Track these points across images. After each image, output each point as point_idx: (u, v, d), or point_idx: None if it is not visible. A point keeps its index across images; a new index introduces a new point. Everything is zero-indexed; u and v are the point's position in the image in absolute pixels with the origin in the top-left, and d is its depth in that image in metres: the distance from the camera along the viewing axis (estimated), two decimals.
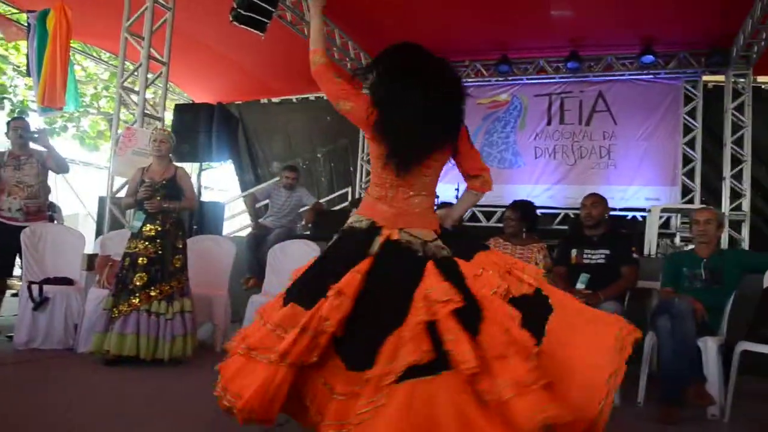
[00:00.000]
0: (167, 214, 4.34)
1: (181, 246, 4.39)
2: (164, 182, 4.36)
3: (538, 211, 4.75)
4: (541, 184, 8.95)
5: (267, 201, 6.98)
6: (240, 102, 10.89)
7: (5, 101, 11.62)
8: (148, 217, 4.30)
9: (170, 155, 4.55)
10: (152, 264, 4.20)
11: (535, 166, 9.06)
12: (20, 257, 5.10)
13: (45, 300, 4.59)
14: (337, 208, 10.14)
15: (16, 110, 11.62)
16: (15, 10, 8.49)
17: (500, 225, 8.56)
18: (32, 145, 5.22)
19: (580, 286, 3.99)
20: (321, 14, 2.55)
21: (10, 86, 12.07)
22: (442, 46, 8.97)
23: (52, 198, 6.11)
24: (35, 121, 6.16)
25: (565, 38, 8.37)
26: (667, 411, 3.37)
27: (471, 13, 7.60)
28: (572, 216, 8.38)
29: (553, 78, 9.03)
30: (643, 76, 8.62)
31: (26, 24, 6.83)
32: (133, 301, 4.10)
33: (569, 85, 8.98)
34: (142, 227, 4.28)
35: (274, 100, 10.90)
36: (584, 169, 8.77)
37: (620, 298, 4.02)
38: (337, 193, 10.44)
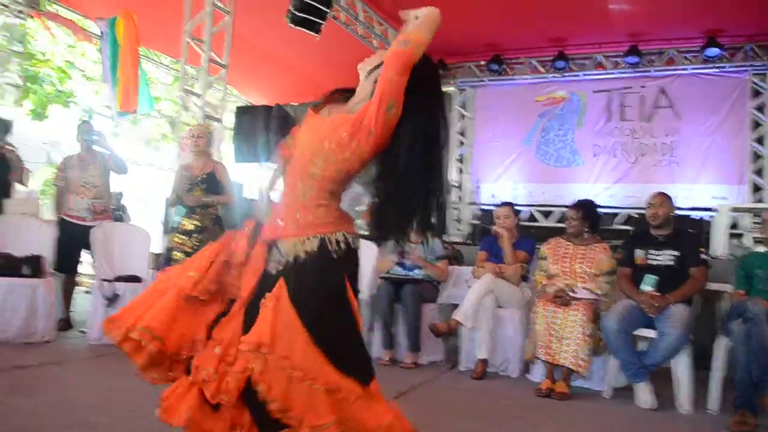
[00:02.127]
0: (206, 209, 4.39)
1: None
2: (203, 177, 4.42)
3: (598, 211, 4.64)
4: (600, 183, 8.74)
5: None
6: (296, 103, 11.03)
7: (73, 105, 12.09)
8: (187, 211, 4.37)
9: (209, 150, 4.61)
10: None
11: (594, 164, 8.86)
12: (88, 254, 5.31)
13: (116, 297, 4.76)
14: None
15: (84, 114, 12.07)
16: (82, 17, 8.84)
17: (558, 225, 8.49)
18: (96, 147, 5.43)
19: (646, 288, 3.88)
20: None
21: (78, 91, 12.55)
22: (497, 45, 8.89)
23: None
24: (100, 125, 6.38)
25: (624, 32, 8.15)
26: (741, 418, 3.25)
27: (526, 10, 7.49)
28: (634, 215, 8.16)
29: (612, 73, 8.80)
30: (708, 70, 8.29)
31: (99, 32, 7.10)
32: None
33: (629, 81, 8.73)
34: (180, 222, 4.36)
35: None
36: (646, 167, 8.52)
37: (689, 301, 3.89)
38: None
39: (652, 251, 4.00)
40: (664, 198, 4.05)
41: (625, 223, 8.38)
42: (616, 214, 8.54)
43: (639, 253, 4.03)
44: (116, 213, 6.47)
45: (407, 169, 1.77)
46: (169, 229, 4.48)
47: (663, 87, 8.52)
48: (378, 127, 1.70)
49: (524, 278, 4.74)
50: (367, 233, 1.95)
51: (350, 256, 1.85)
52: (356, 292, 1.82)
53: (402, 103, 1.72)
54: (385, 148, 1.77)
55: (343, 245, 1.83)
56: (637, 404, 3.70)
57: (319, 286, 1.76)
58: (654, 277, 3.88)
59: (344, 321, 1.77)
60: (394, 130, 1.74)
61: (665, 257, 3.96)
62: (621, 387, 3.95)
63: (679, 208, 7.30)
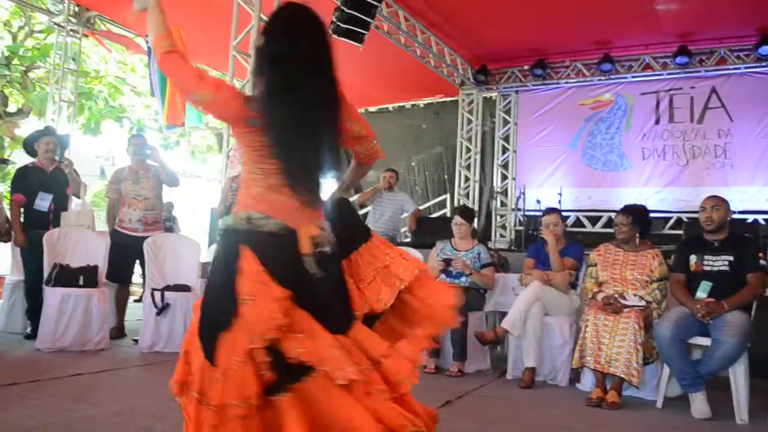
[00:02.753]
0: None
1: None
2: None
3: (650, 216, 4.52)
4: (650, 187, 8.54)
5: (368, 209, 7.09)
6: None
7: (124, 120, 12.49)
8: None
9: None
10: None
11: (643, 168, 8.66)
12: (140, 265, 5.46)
13: (166, 306, 4.88)
14: (434, 215, 10.14)
15: (134, 128, 12.45)
16: (132, 35, 9.14)
17: (605, 230, 8.33)
18: (148, 161, 5.58)
19: (701, 294, 3.76)
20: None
21: (129, 106, 12.96)
22: (540, 49, 8.81)
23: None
24: (151, 138, 6.57)
25: (673, 32, 7.97)
26: None
27: (570, 12, 7.40)
28: (685, 220, 7.94)
29: (661, 74, 8.60)
30: (761, 69, 8.03)
31: (146, 48, 7.33)
32: None
33: (678, 82, 8.52)
34: None
35: (371, 109, 11.07)
36: (698, 170, 8.28)
37: (746, 309, 3.75)
38: (433, 201, 10.43)
39: (708, 257, 3.87)
40: (719, 201, 3.92)
41: (675, 228, 8.16)
42: (667, 219, 8.32)
43: (693, 259, 3.90)
44: (167, 224, 6.62)
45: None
46: (217, 240, 4.56)
47: (714, 87, 8.29)
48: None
49: (573, 285, 4.66)
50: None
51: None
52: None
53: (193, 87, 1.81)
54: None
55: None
56: (692, 414, 3.59)
57: None
58: (710, 283, 3.75)
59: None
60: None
61: (721, 263, 3.83)
62: (674, 396, 3.84)
63: (733, 212, 7.09)
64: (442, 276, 4.87)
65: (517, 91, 9.77)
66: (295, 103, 1.83)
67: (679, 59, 8.15)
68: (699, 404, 3.58)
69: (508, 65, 9.51)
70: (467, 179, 10.07)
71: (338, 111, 1.91)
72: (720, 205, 3.89)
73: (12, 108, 11.87)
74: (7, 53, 11.28)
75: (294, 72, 1.85)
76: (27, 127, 11.56)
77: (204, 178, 14.39)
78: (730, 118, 8.16)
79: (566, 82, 9.25)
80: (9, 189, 5.44)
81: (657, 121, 8.65)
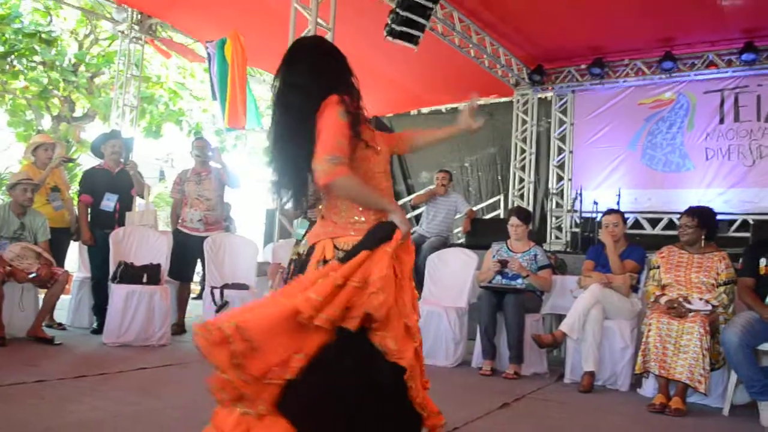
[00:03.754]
0: None
1: None
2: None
3: (716, 219, 4.36)
4: (714, 188, 8.23)
5: (421, 209, 7.09)
6: (391, 114, 11.17)
7: (183, 123, 12.84)
8: (311, 224, 4.49)
9: None
10: None
11: (706, 168, 8.35)
12: (201, 264, 5.60)
13: (225, 304, 4.99)
14: (488, 216, 10.05)
15: (192, 131, 12.79)
16: (192, 41, 9.40)
17: (666, 233, 8.07)
18: (210, 163, 5.73)
19: None
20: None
21: (188, 109, 13.32)
22: (598, 48, 8.62)
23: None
24: (213, 142, 6.74)
25: (738, 28, 7.68)
26: None
27: (630, 10, 7.22)
28: (752, 222, 7.62)
29: (726, 72, 8.28)
30: None
31: (206, 54, 7.54)
32: None
33: (744, 79, 8.19)
34: (304, 234, 4.48)
35: (424, 110, 11.06)
36: (765, 170, 7.93)
37: None
38: (487, 202, 10.34)
39: None
40: None
41: (741, 230, 7.85)
42: (732, 221, 8.01)
43: (764, 262, 3.75)
44: (224, 224, 6.77)
45: None
46: (295, 241, 4.63)
47: None
48: None
49: (634, 289, 4.54)
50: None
51: None
52: None
53: None
54: None
55: None
56: (761, 423, 3.44)
57: None
58: None
59: None
60: None
61: None
62: (742, 404, 3.69)
63: None
64: (498, 277, 4.83)
65: (573, 91, 9.58)
66: None
67: (745, 56, 7.83)
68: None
69: (564, 64, 9.34)
70: (522, 180, 9.94)
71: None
72: None
73: (78, 113, 12.37)
74: (74, 60, 11.76)
75: None
76: (92, 130, 12.05)
77: (260, 179, 14.66)
78: None
79: (625, 81, 9.01)
80: (77, 190, 5.65)
81: (721, 120, 8.33)
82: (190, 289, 5.98)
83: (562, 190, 9.67)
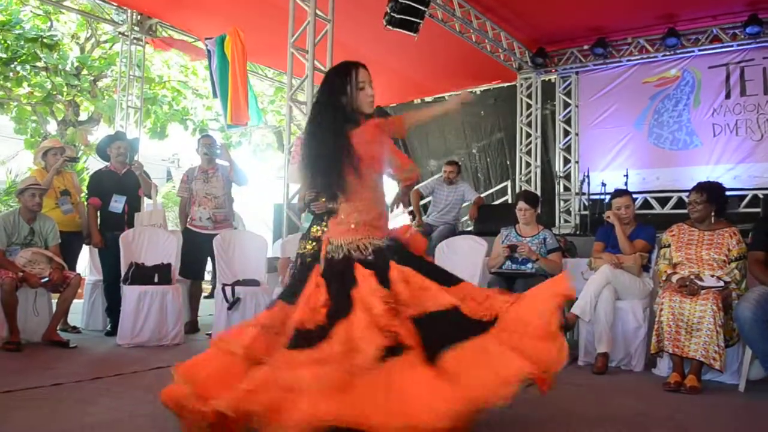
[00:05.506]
0: (332, 216, 4.45)
1: None
2: None
3: (726, 194, 4.32)
4: (722, 164, 8.18)
5: (429, 198, 7.08)
6: (395, 104, 11.15)
7: (188, 122, 12.86)
8: (315, 218, 4.47)
9: None
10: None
11: (714, 144, 8.30)
12: (211, 261, 5.62)
13: (237, 300, 5.01)
14: (497, 202, 10.03)
15: (197, 129, 12.81)
16: (192, 39, 9.40)
17: (676, 211, 8.03)
18: (217, 160, 5.73)
19: None
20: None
21: (191, 108, 13.33)
22: (600, 27, 8.55)
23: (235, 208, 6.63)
24: (218, 139, 6.75)
25: (742, 2, 7.60)
26: None
27: None
28: (761, 197, 7.56)
29: (731, 46, 8.21)
30: None
31: (206, 51, 7.53)
32: None
33: (750, 53, 8.12)
34: (309, 228, 4.47)
35: (427, 98, 11.03)
36: None
37: None
38: (495, 188, 10.32)
39: None
40: None
41: (751, 206, 7.79)
42: (742, 197, 7.96)
43: None
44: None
45: None
46: (301, 236, 4.63)
47: None
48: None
49: (645, 268, 4.51)
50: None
51: None
52: None
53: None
54: None
55: None
56: None
57: None
58: None
59: None
60: None
61: None
62: (758, 380, 3.68)
63: None
64: (508, 263, 4.81)
65: (577, 72, 9.52)
66: None
67: (749, 29, 7.75)
68: None
69: (566, 46, 9.28)
70: (528, 165, 9.91)
71: None
72: None
73: (83, 116, 12.41)
74: (76, 64, 11.78)
75: None
76: (98, 133, 12.08)
77: (265, 175, 14.69)
78: None
79: (629, 60, 8.96)
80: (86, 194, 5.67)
81: (728, 95, 8.27)
82: (201, 287, 6.00)
83: (570, 173, 9.65)
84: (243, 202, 10.71)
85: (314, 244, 4.39)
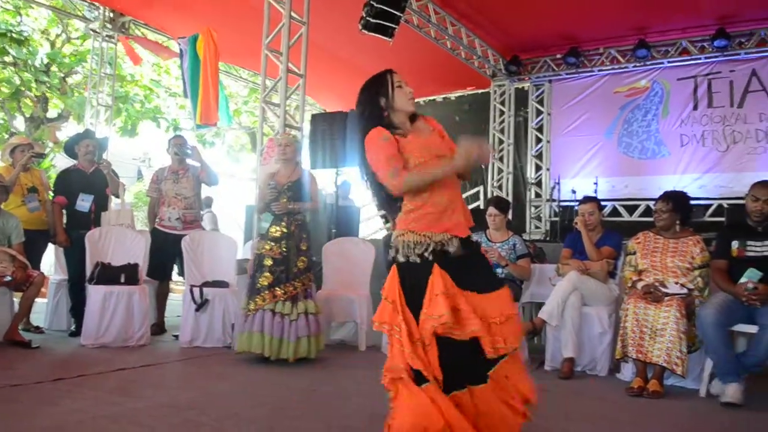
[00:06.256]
0: (292, 216, 4.45)
1: (305, 248, 4.47)
2: (290, 184, 4.48)
3: (690, 203, 4.41)
4: (689, 174, 8.35)
5: None
6: None
7: (161, 120, 12.71)
8: (274, 218, 4.45)
9: (297, 159, 4.68)
10: (277, 265, 4.33)
11: (681, 154, 8.47)
12: (179, 263, 5.55)
13: (205, 302, 4.95)
14: (469, 207, 10.08)
15: (170, 128, 12.66)
16: (166, 38, 9.30)
17: (643, 219, 8.16)
18: (188, 161, 5.67)
19: (747, 281, 3.62)
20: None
21: (164, 107, 13.18)
22: (573, 37, 8.68)
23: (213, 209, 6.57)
24: (190, 139, 6.68)
25: (711, 15, 7.77)
26: None
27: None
28: (726, 206, 7.74)
29: (699, 59, 8.39)
30: None
31: (178, 50, 7.46)
32: (259, 300, 4.28)
33: (717, 65, 8.31)
34: (269, 229, 4.45)
35: None
36: (739, 155, 8.07)
37: None
38: (468, 193, 10.38)
39: (750, 242, 3.76)
40: None
41: (716, 215, 7.96)
42: (707, 206, 8.13)
43: (735, 245, 3.79)
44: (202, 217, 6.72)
45: None
46: (258, 236, 4.60)
47: (755, 69, 8.06)
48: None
49: (611, 275, 4.58)
50: None
51: None
52: None
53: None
54: None
55: None
56: (720, 399, 3.54)
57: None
58: (758, 272, 3.61)
59: None
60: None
61: (765, 248, 3.72)
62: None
63: None
64: None
65: (550, 81, 9.64)
66: None
67: (717, 42, 7.93)
68: (734, 393, 3.49)
69: (540, 54, 9.39)
70: (500, 171, 10.00)
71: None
72: None
73: (52, 113, 12.19)
74: (46, 60, 11.57)
75: None
76: (67, 131, 11.87)
77: (238, 177, 14.58)
78: None
79: (600, 70, 9.09)
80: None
81: (695, 107, 8.45)
82: (169, 288, 5.93)
83: (541, 180, 9.75)
84: (216, 204, 10.63)
85: (272, 244, 4.38)
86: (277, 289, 4.30)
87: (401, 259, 2.25)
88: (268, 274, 4.33)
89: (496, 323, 2.16)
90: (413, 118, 2.44)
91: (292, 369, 4.14)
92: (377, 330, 2.26)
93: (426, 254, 2.21)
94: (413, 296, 2.18)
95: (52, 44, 12.06)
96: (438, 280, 2.15)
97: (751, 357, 3.53)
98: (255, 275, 4.40)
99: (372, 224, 11.30)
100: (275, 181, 4.50)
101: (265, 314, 4.25)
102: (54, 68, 11.68)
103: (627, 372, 4.10)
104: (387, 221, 6.74)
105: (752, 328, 3.60)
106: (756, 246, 3.74)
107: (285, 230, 4.41)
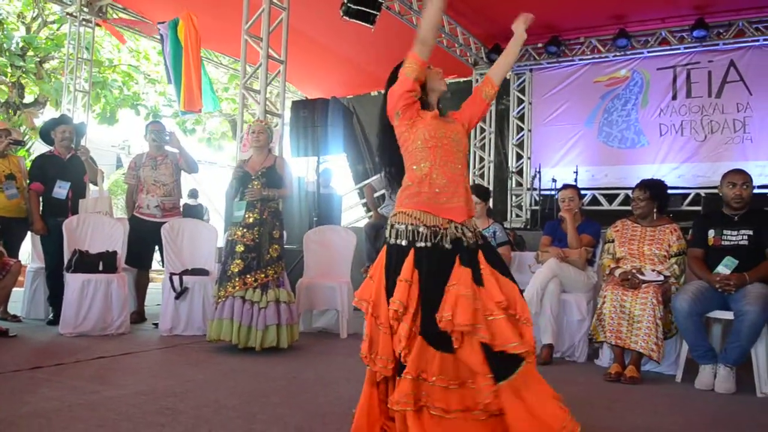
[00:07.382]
0: (266, 203, 4.43)
1: (278, 236, 4.45)
2: (263, 171, 4.46)
3: (667, 191, 4.47)
4: (668, 163, 8.45)
5: (383, 191, 7.08)
6: (352, 96, 11.11)
7: (140, 108, 12.54)
8: (248, 205, 4.42)
9: (270, 145, 4.66)
10: (248, 251, 4.31)
11: (660, 144, 8.56)
12: (159, 251, 5.50)
13: (185, 290, 4.92)
14: None
15: (150, 115, 12.50)
16: (145, 21, 9.15)
17: (623, 208, 8.25)
18: (167, 147, 5.61)
19: (723, 270, 3.70)
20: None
21: (143, 93, 13.01)
22: (554, 26, 8.69)
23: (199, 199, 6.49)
24: (168, 125, 6.61)
25: (690, 5, 7.84)
26: None
27: None
28: (704, 195, 7.84)
29: (678, 49, 8.47)
30: None
31: (159, 35, 7.35)
32: (229, 287, 4.26)
33: (696, 56, 8.39)
34: (244, 215, 4.42)
35: (383, 91, 11.00)
36: (716, 145, 8.18)
37: (766, 282, 3.70)
38: None
39: (726, 231, 3.82)
40: (748, 178, 3.82)
41: (694, 204, 8.07)
42: (685, 195, 8.24)
43: (712, 234, 3.86)
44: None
45: None
46: (230, 223, 4.57)
47: (733, 60, 8.16)
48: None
49: (590, 262, 4.63)
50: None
51: None
52: None
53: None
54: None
55: None
56: (695, 385, 3.62)
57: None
58: (734, 260, 3.68)
59: None
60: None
61: (740, 237, 3.78)
62: (695, 371, 3.82)
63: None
64: None
65: (531, 70, 9.67)
66: None
67: (696, 33, 8.01)
68: (704, 377, 3.60)
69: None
70: (482, 159, 10.03)
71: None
72: (749, 182, 3.81)
73: (28, 99, 11.98)
74: (21, 44, 11.35)
75: None
76: (44, 117, 11.67)
77: (219, 164, 14.45)
78: (750, 91, 8.04)
79: (581, 59, 9.14)
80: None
81: (674, 97, 8.53)
82: (148, 276, 5.88)
83: (522, 169, 9.79)
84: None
85: (244, 230, 4.36)
86: (247, 276, 4.28)
87: (391, 240, 2.26)
88: (239, 260, 4.30)
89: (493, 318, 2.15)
90: (442, 112, 2.46)
91: (273, 357, 4.14)
92: (355, 305, 2.28)
93: (415, 239, 2.20)
94: (393, 279, 2.18)
95: (28, 28, 11.84)
96: (408, 266, 2.15)
97: (735, 348, 3.55)
98: (227, 262, 4.37)
99: (354, 213, 11.30)
100: (249, 168, 4.49)
101: (235, 301, 4.23)
102: (30, 53, 11.47)
103: (605, 358, 4.16)
104: (369, 210, 6.71)
105: (727, 314, 3.67)
106: (732, 235, 3.80)
107: (257, 217, 4.38)
